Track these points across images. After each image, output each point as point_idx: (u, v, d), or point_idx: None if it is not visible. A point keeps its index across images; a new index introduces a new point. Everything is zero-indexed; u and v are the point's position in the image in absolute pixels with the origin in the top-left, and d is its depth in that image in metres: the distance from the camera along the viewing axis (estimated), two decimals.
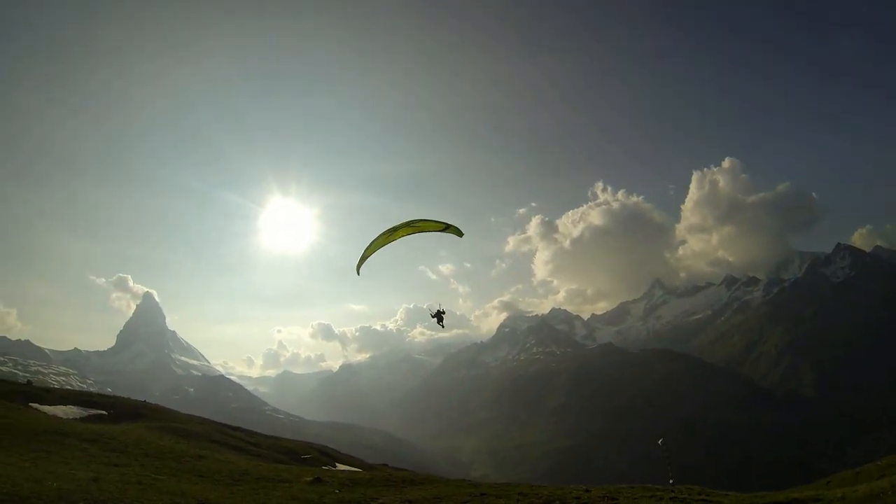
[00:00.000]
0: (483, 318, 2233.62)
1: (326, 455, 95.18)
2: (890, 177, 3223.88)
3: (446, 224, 43.21)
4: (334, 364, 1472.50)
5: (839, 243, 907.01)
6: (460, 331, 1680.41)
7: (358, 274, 44.78)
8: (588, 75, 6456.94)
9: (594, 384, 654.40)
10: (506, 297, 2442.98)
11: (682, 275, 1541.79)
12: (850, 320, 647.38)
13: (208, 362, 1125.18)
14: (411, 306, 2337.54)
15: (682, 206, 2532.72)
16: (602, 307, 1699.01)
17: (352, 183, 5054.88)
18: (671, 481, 54.72)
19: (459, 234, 43.82)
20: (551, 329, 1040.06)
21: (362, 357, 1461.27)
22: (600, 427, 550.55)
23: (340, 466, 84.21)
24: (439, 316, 50.47)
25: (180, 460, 47.73)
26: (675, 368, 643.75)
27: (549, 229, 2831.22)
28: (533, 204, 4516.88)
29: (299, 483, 45.34)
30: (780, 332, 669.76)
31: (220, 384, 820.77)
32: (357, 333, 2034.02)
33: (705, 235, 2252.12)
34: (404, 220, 41.90)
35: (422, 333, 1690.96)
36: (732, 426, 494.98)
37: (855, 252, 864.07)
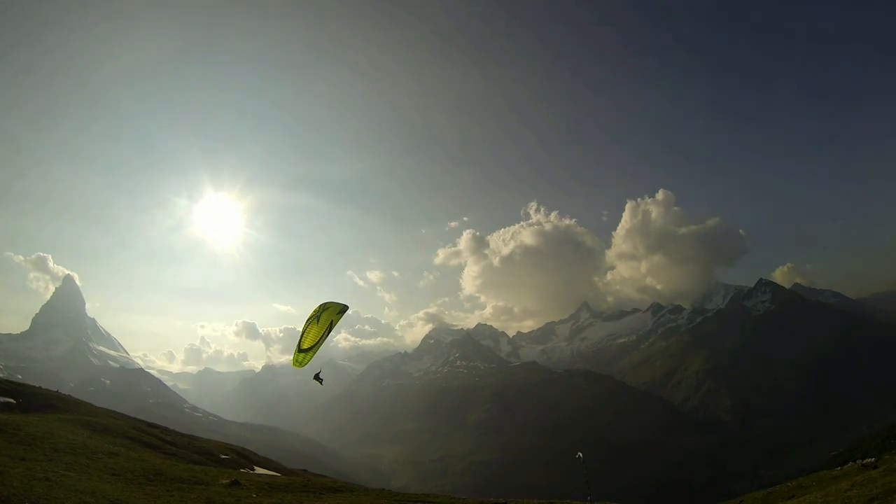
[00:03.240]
0: (408, 329, 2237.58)
1: (245, 457, 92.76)
2: (813, 219, 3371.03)
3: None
4: (257, 364, 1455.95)
5: (762, 278, 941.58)
6: (385, 339, 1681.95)
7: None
8: (530, 96, 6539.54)
9: (517, 401, 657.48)
10: (432, 309, 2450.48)
11: (610, 299, 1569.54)
12: (766, 351, 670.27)
13: (127, 354, 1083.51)
14: None
15: (614, 233, 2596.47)
16: (528, 325, 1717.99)
17: (285, 181, 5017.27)
18: (589, 498, 54.99)
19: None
20: (476, 344, 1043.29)
21: (286, 359, 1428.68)
22: (522, 443, 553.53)
23: (259, 470, 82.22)
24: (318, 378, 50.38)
25: (92, 457, 45.48)
26: (598, 389, 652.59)
27: (480, 245, 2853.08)
28: (465, 218, 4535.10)
29: (216, 485, 43.91)
30: (702, 360, 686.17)
31: (138, 378, 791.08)
32: (281, 334, 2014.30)
33: (635, 263, 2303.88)
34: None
35: (346, 339, 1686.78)
36: (652, 447, 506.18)
37: (776, 287, 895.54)
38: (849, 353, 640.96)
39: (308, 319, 43.58)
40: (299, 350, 43.11)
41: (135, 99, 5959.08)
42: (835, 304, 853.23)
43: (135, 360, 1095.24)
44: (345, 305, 44.47)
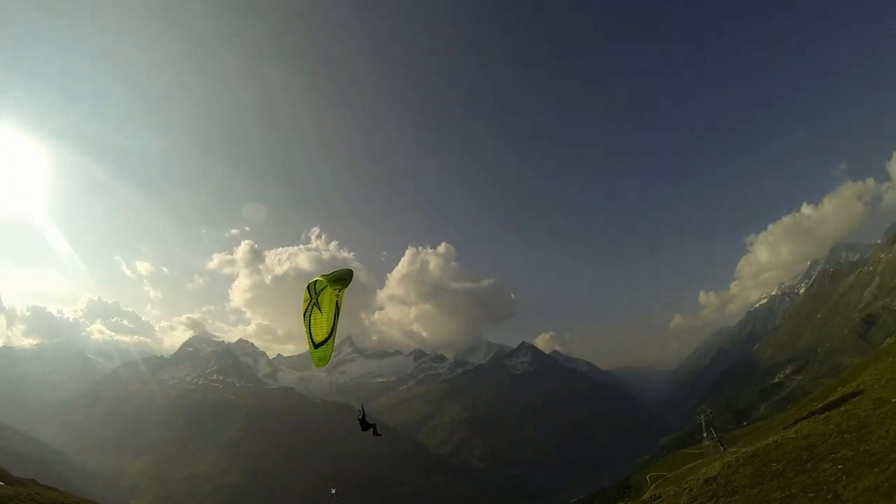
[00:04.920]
0: (168, 331, 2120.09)
1: None
2: (577, 297, 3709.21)
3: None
4: None
5: (524, 342, 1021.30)
6: (142, 338, 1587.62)
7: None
8: (335, 122, 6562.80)
9: (272, 424, 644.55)
10: (196, 315, 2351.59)
11: (375, 338, 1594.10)
12: (521, 408, 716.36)
13: None
14: (96, 298, 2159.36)
15: (390, 275, 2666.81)
16: (290, 350, 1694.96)
17: (62, 133, 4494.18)
18: None
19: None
20: (235, 360, 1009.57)
21: (28, 343, 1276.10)
22: (274, 468, 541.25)
23: None
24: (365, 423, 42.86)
25: None
26: (353, 424, 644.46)
27: (257, 259, 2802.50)
28: (246, 228, 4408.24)
29: None
30: (459, 408, 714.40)
31: None
32: (28, 313, 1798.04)
33: (405, 307, 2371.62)
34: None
35: (101, 331, 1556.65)
36: (405, 485, 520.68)
37: (536, 351, 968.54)
38: (596, 415, 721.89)
39: (305, 309, 36.93)
40: (314, 346, 36.57)
41: None
42: (587, 373, 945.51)
43: None
44: (343, 273, 37.50)
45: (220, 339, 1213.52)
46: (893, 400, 28.35)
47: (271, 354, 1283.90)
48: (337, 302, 37.27)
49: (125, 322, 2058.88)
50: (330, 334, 36.96)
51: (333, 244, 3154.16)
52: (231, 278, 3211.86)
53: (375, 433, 42.56)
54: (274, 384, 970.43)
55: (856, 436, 25.83)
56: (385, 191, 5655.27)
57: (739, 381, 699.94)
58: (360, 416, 42.69)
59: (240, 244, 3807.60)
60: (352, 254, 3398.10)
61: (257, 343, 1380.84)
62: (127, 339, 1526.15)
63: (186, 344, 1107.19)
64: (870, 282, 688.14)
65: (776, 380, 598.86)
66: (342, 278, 37.20)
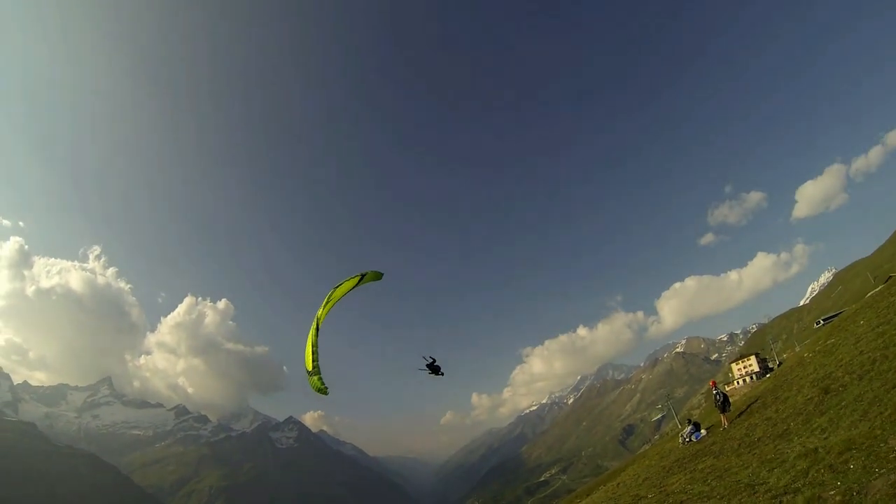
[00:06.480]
0: None
1: None
2: (350, 382, 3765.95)
3: (361, 275, 34.76)
4: None
5: (292, 416, 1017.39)
6: None
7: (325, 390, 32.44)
8: (145, 140, 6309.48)
9: (7, 466, 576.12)
10: None
11: (136, 384, 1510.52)
12: (283, 483, 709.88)
13: None
14: None
15: (164, 319, 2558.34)
16: (39, 379, 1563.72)
17: None
18: None
19: (378, 276, 35.90)
20: None
21: None
22: None
23: None
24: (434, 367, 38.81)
25: None
26: (99, 480, 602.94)
27: (24, 262, 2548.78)
28: (21, 223, 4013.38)
29: None
30: (218, 476, 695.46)
31: None
32: None
33: (174, 357, 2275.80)
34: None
35: None
36: None
37: (303, 428, 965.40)
38: (361, 499, 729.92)
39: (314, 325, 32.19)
40: (309, 374, 31.72)
41: None
42: (354, 457, 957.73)
43: None
44: (359, 277, 34.48)
45: None
46: (650, 496, 31.82)
47: (17, 379, 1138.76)
48: (319, 326, 32.53)
49: None
50: (317, 357, 31.92)
51: (112, 270, 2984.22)
52: None
53: (441, 374, 39.16)
54: (13, 416, 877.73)
55: None
56: (178, 228, 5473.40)
57: (507, 478, 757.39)
58: (431, 362, 38.41)
59: (8, 239, 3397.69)
60: (129, 286, 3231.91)
61: (2, 362, 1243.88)
62: None
63: None
64: (631, 397, 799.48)
65: (542, 478, 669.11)
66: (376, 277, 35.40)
